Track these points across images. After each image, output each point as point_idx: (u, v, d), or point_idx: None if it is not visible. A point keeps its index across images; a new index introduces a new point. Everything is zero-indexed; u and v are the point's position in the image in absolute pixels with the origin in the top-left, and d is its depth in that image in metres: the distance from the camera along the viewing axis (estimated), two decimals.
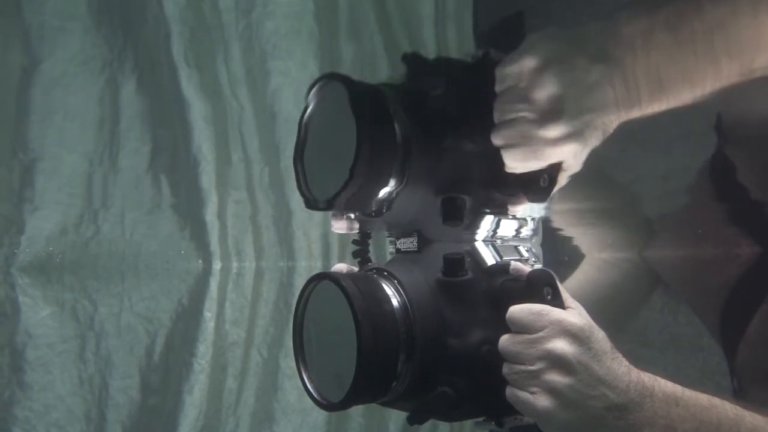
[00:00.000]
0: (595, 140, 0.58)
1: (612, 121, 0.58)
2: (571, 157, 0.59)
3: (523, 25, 0.82)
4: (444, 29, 1.05)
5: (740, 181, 0.96)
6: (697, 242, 1.32)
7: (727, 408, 0.55)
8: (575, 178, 0.65)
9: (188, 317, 2.00)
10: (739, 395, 1.05)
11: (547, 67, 0.56)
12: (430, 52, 1.07)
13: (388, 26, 1.10)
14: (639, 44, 0.55)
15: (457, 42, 1.03)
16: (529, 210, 0.72)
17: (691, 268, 1.27)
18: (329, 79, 0.60)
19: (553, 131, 0.56)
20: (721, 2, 0.54)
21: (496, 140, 0.59)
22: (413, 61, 0.61)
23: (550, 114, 0.56)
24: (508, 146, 0.59)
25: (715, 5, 0.54)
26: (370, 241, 0.74)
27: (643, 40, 0.55)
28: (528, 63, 0.56)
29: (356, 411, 2.11)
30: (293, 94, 1.27)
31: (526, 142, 0.58)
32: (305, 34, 1.14)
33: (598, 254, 1.45)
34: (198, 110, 1.33)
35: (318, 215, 1.71)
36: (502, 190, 0.65)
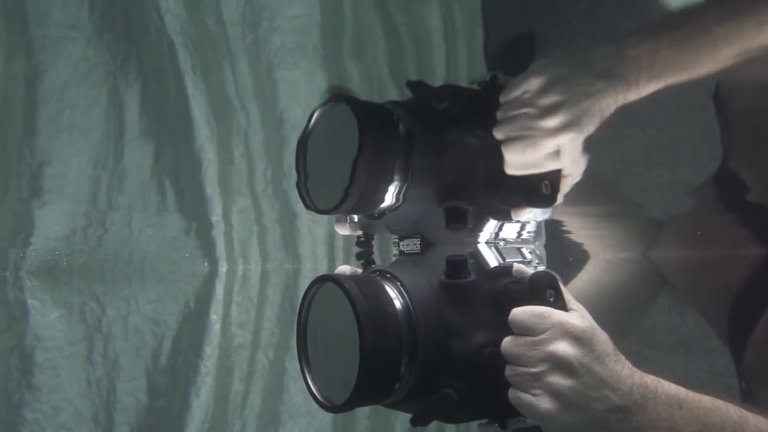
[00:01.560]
0: (591, 126, 0.59)
1: (609, 105, 0.59)
2: (568, 141, 0.60)
3: (534, 47, 0.82)
4: (454, 47, 1.05)
5: (744, 180, 0.95)
6: (702, 243, 1.31)
7: (730, 410, 0.55)
8: (581, 182, 0.66)
9: (195, 320, 2.01)
10: (746, 397, 1.04)
11: (552, 85, 0.57)
12: (439, 73, 1.07)
13: (397, 44, 1.10)
14: (644, 61, 0.57)
15: (468, 61, 1.03)
16: (532, 215, 0.72)
17: (696, 269, 1.26)
18: (335, 99, 0.61)
19: (551, 121, 0.58)
20: (727, 22, 0.55)
21: (498, 134, 0.60)
22: (418, 88, 0.62)
23: (550, 110, 0.58)
24: (508, 139, 0.60)
25: (722, 25, 0.55)
26: (373, 242, 0.75)
27: (648, 58, 0.57)
28: (534, 84, 0.58)
29: (362, 413, 2.11)
30: (300, 105, 1.28)
31: (525, 133, 0.59)
32: (310, 50, 1.15)
33: (603, 255, 1.45)
34: (201, 113, 1.34)
35: (322, 219, 1.72)
36: (505, 198, 0.65)
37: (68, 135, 1.28)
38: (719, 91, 0.81)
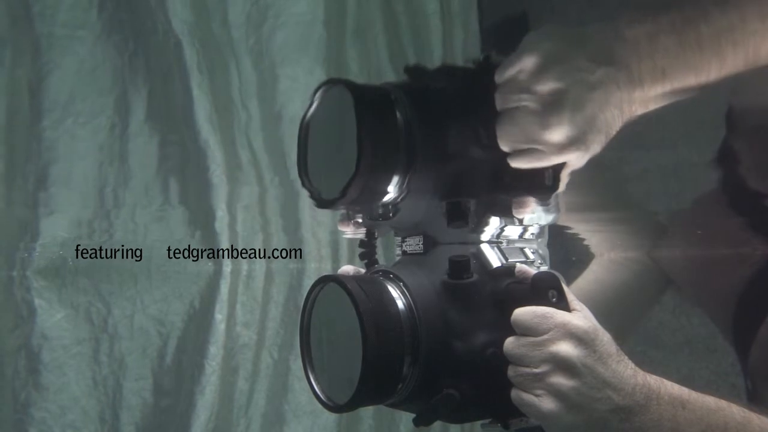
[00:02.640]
0: (597, 145, 0.58)
1: (615, 117, 0.57)
2: (575, 160, 0.59)
3: (527, 23, 0.82)
4: (450, 30, 1.05)
5: (749, 178, 0.95)
6: (707, 242, 1.31)
7: (734, 411, 0.55)
8: (584, 178, 0.65)
9: (200, 319, 2.02)
10: (752, 397, 1.03)
11: (547, 66, 0.55)
12: (435, 57, 1.08)
13: (396, 34, 1.11)
14: (643, 47, 0.55)
15: (462, 44, 1.03)
16: (536, 218, 0.72)
17: (701, 268, 1.25)
18: (333, 83, 0.61)
19: (556, 130, 0.56)
20: (730, 9, 0.54)
21: (501, 141, 0.59)
22: (416, 71, 0.62)
23: (551, 106, 0.55)
24: (513, 151, 0.59)
25: (723, 12, 0.54)
26: (375, 243, 0.75)
27: (648, 44, 0.55)
28: (527, 62, 0.56)
29: (367, 412, 2.12)
30: (301, 99, 1.28)
31: (529, 144, 0.58)
32: (314, 42, 1.15)
33: (607, 254, 1.44)
34: (206, 113, 1.34)
35: (327, 217, 1.72)
36: (507, 191, 0.65)
37: (74, 138, 1.29)
38: (731, 112, 0.80)
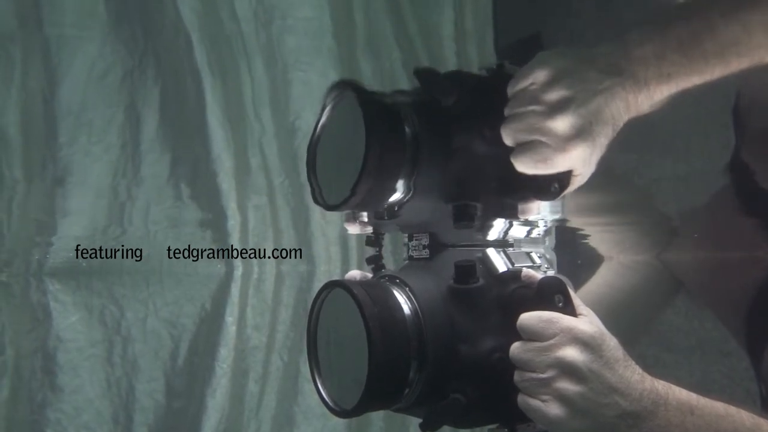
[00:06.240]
0: (604, 138, 0.57)
1: (621, 111, 0.57)
2: (580, 160, 0.58)
3: (541, 44, 0.82)
4: (464, 46, 1.05)
5: (761, 181, 0.93)
6: (719, 245, 1.29)
7: (743, 416, 0.55)
8: (592, 181, 0.65)
9: (211, 322, 2.04)
10: (766, 401, 1.02)
11: (558, 78, 0.56)
12: (450, 68, 1.08)
13: (409, 44, 1.11)
14: (651, 63, 0.56)
15: (478, 57, 1.03)
16: (541, 216, 0.71)
17: (713, 272, 1.24)
18: (343, 87, 0.62)
19: (562, 123, 0.56)
20: (734, 23, 0.54)
21: (506, 135, 0.59)
22: (426, 75, 0.62)
23: (559, 107, 0.56)
24: (517, 147, 0.59)
25: (728, 25, 0.54)
26: (383, 242, 0.75)
27: (655, 60, 0.55)
28: (539, 75, 0.57)
29: (376, 415, 2.12)
30: (313, 105, 1.29)
31: (533, 135, 0.57)
32: (325, 51, 1.16)
33: (617, 258, 1.43)
34: (218, 120, 1.36)
35: (336, 222, 1.73)
36: (513, 195, 0.65)
37: (88, 143, 1.31)
38: (738, 106, 0.80)
